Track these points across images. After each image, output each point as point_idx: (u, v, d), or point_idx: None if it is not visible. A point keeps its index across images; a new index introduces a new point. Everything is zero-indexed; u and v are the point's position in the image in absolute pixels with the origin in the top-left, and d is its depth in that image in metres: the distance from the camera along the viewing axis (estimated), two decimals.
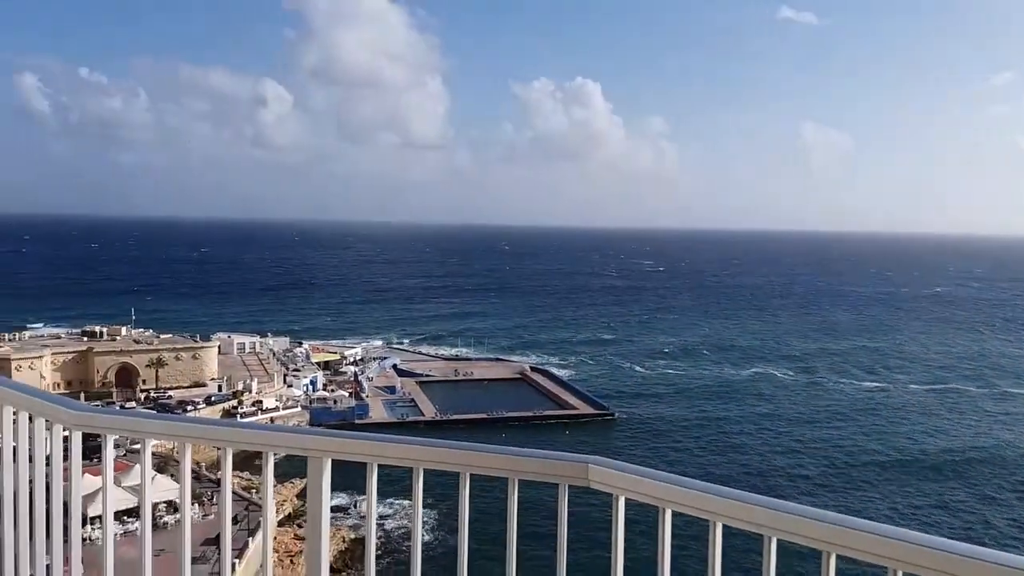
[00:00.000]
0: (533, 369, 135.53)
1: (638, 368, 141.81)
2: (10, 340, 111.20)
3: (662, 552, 3.22)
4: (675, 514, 3.22)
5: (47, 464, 4.09)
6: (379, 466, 3.67)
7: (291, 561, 66.38)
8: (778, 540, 2.98)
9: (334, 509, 71.68)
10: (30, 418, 4.12)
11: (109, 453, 3.98)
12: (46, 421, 4.04)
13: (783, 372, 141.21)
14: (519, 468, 3.45)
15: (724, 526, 3.10)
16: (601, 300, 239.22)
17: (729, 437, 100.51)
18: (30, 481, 4.13)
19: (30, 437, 4.15)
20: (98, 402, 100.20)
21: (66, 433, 4.00)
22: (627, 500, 3.33)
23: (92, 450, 4.12)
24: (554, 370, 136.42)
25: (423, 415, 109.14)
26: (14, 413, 4.19)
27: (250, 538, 63.20)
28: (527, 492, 3.54)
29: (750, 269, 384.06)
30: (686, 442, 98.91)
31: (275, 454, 3.76)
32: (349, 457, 3.66)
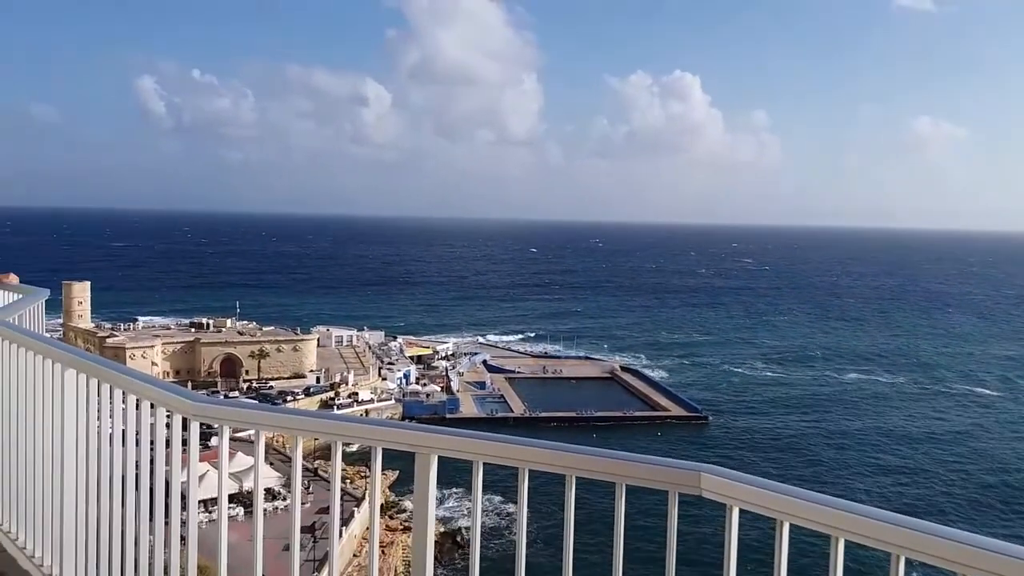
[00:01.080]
0: (623, 369, 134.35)
1: (735, 370, 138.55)
2: (125, 330, 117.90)
3: (779, 567, 3.09)
4: (793, 527, 3.08)
5: (167, 448, 4.27)
6: (483, 464, 3.67)
7: (383, 552, 67.97)
8: (906, 559, 2.82)
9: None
10: (152, 406, 4.30)
11: (225, 443, 4.12)
12: (166, 411, 4.21)
13: (893, 379, 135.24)
14: (627, 473, 3.38)
15: (847, 542, 2.95)
16: (696, 299, 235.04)
17: (831, 448, 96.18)
18: (151, 465, 4.33)
19: (152, 425, 4.34)
20: (205, 391, 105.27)
21: (187, 422, 4.17)
22: (742, 511, 3.22)
23: (202, 436, 4.28)
24: (645, 371, 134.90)
25: (512, 411, 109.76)
26: (137, 402, 4.39)
27: (343, 527, 65.08)
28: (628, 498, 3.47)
29: (857, 269, 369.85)
30: (783, 450, 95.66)
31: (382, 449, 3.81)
32: (455, 455, 3.68)
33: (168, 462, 4.27)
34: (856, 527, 2.89)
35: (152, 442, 4.30)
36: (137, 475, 4.38)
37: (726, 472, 3.26)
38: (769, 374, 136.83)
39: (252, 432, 4.07)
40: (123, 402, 4.52)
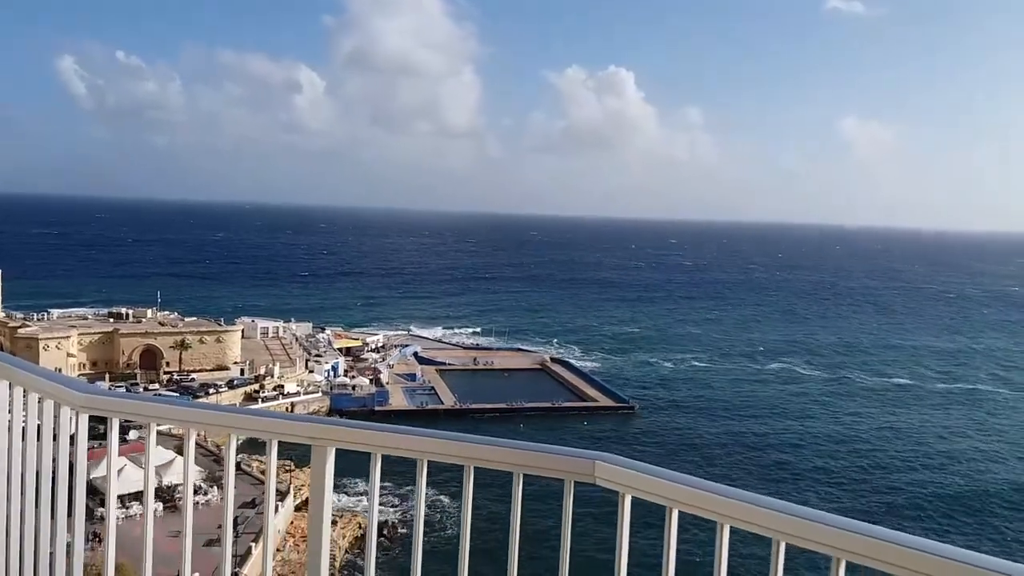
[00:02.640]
0: (553, 360, 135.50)
1: (665, 363, 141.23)
2: (38, 320, 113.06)
3: (668, 553, 3.13)
4: (683, 515, 3.13)
5: (57, 443, 4.08)
6: (384, 456, 3.62)
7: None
8: (787, 544, 2.89)
9: (353, 494, 72.23)
10: (39, 399, 4.11)
11: (114, 436, 3.95)
12: (55, 403, 4.02)
13: (808, 368, 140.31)
14: (524, 463, 3.38)
15: (732, 528, 3.01)
16: (629, 292, 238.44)
17: (751, 436, 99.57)
18: (38, 461, 4.13)
19: (39, 418, 4.14)
20: (124, 383, 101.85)
21: (73, 414, 3.98)
22: (634, 499, 3.25)
23: (121, 430, 4.08)
24: (575, 362, 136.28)
25: (442, 403, 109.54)
26: (24, 393, 4.18)
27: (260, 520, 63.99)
28: (536, 487, 3.47)
29: (787, 263, 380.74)
30: (706, 438, 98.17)
31: (278, 442, 3.71)
32: (353, 447, 3.61)
33: (56, 456, 4.08)
34: (739, 513, 2.95)
35: (38, 436, 4.09)
36: (23, 472, 4.18)
37: (620, 460, 3.28)
38: (698, 365, 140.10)
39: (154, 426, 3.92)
40: (9, 393, 4.31)
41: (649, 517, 3.56)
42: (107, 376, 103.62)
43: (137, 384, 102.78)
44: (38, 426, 4.14)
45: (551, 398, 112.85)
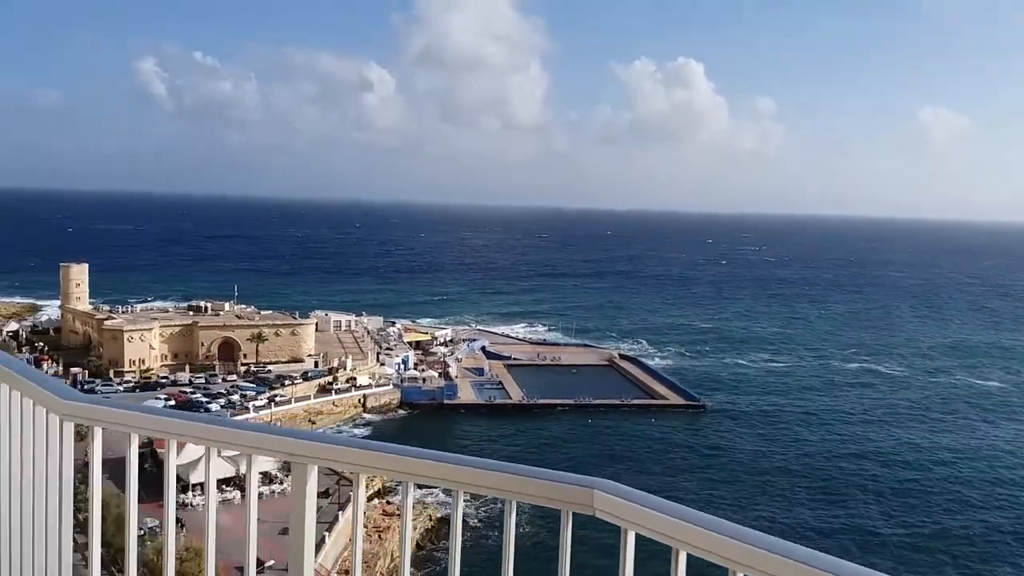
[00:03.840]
0: (622, 357, 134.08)
1: (738, 360, 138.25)
2: (123, 313, 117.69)
3: None
4: (692, 557, 2.71)
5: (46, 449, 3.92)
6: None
7: (379, 536, 67.92)
8: None
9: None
10: (33, 404, 3.95)
11: (97, 445, 3.75)
12: (44, 408, 3.85)
13: (891, 368, 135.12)
14: (517, 489, 3.01)
15: None
16: (700, 288, 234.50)
17: (826, 444, 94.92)
18: (21, 467, 3.98)
19: (31, 422, 3.98)
20: (203, 374, 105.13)
21: (57, 421, 3.80)
22: (638, 536, 2.84)
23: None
24: (645, 359, 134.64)
25: (510, 398, 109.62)
26: (21, 397, 4.04)
27: (340, 511, 65.04)
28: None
29: (863, 258, 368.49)
30: (777, 443, 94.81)
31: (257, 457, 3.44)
32: (336, 466, 3.32)
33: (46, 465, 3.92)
34: (755, 562, 2.52)
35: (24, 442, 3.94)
36: (9, 476, 4.04)
37: (621, 490, 2.87)
38: (773, 364, 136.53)
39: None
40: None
41: (655, 546, 3.13)
42: (187, 367, 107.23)
43: (215, 375, 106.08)
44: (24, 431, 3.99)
45: (619, 395, 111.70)
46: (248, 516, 3.47)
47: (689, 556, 2.71)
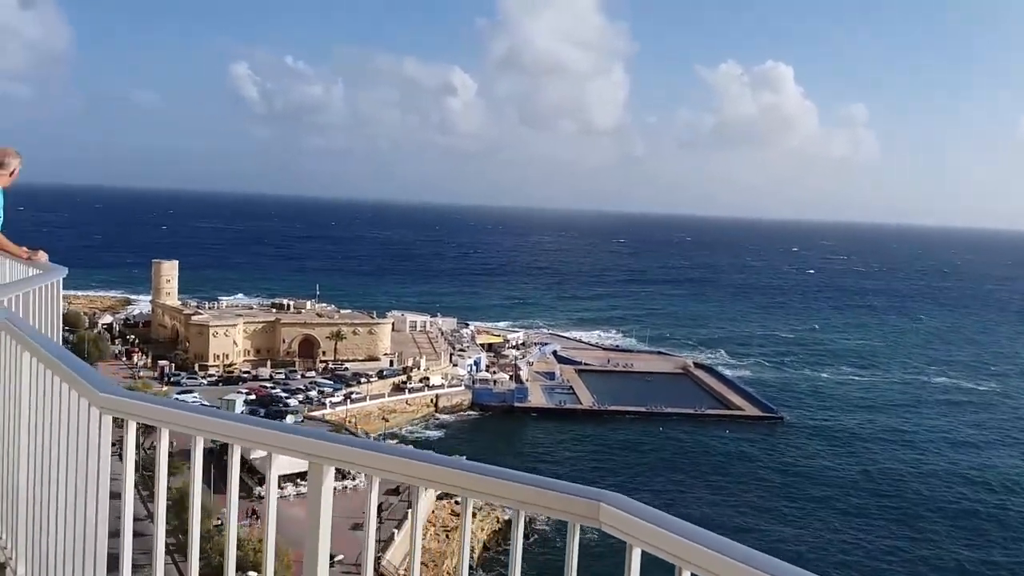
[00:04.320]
0: (697, 365, 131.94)
1: (819, 372, 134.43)
2: (209, 309, 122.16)
3: None
4: None
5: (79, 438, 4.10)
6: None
7: (447, 536, 68.47)
8: None
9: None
10: (78, 395, 4.13)
11: (131, 437, 3.88)
12: (86, 400, 4.02)
13: (984, 385, 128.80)
14: (524, 499, 2.98)
15: None
16: (783, 297, 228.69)
17: (906, 464, 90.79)
18: (59, 455, 4.16)
19: (75, 412, 4.16)
20: (283, 369, 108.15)
21: (96, 413, 3.96)
22: (643, 553, 2.76)
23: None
24: (721, 368, 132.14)
25: (580, 403, 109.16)
26: (69, 389, 4.23)
27: (409, 509, 65.89)
28: None
29: (959, 271, 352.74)
30: (854, 459, 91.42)
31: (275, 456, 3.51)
32: (350, 467, 3.35)
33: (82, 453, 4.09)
34: None
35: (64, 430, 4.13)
36: (46, 463, 4.23)
37: (628, 504, 2.80)
38: (855, 378, 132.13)
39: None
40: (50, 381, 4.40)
41: (664, 564, 3.03)
42: (268, 363, 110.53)
43: (295, 371, 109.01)
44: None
45: (693, 404, 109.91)
46: (268, 512, 3.52)
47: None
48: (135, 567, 3.85)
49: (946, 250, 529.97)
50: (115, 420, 3.91)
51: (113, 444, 3.87)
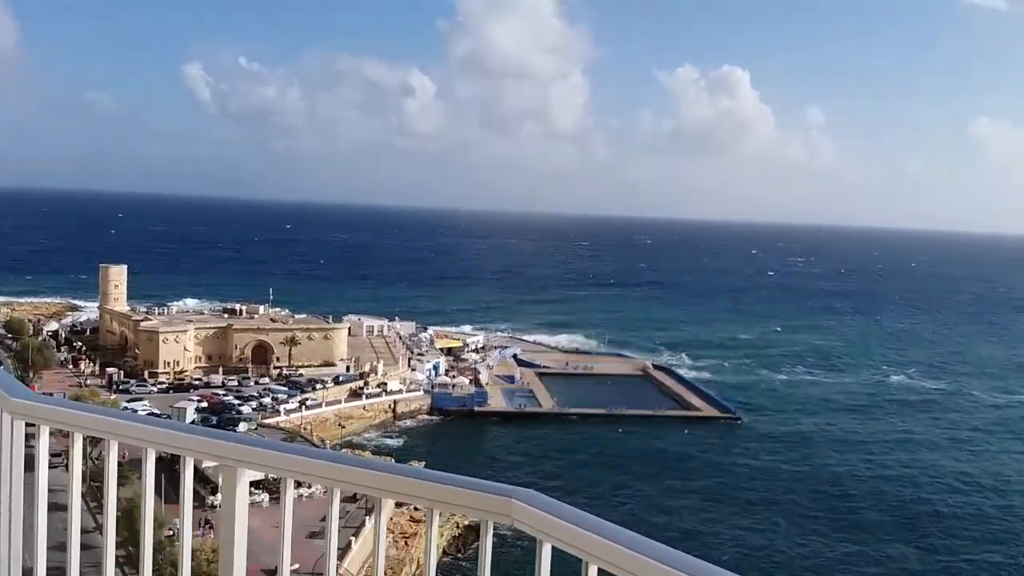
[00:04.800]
0: (656, 367, 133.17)
1: (776, 374, 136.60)
2: (159, 314, 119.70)
3: None
4: (602, 572, 2.63)
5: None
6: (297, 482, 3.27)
7: (405, 543, 68.04)
8: None
9: None
10: None
11: (44, 443, 3.77)
12: None
13: (939, 385, 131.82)
14: (438, 497, 2.96)
15: None
16: (743, 300, 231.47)
17: (865, 458, 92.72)
18: None
19: None
20: (236, 376, 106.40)
21: (8, 419, 3.83)
22: (554, 549, 2.77)
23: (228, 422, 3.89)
24: (680, 370, 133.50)
25: (541, 406, 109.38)
26: None
27: (367, 516, 65.31)
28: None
29: (913, 272, 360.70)
30: (813, 456, 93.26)
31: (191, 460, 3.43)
32: (265, 470, 3.29)
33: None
34: None
35: None
36: None
37: (539, 500, 2.80)
38: (810, 377, 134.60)
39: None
40: None
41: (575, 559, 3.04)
42: (220, 369, 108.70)
43: (248, 378, 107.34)
44: None
45: (653, 405, 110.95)
46: (183, 518, 3.44)
47: (601, 571, 2.63)
48: None
49: (901, 252, 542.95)
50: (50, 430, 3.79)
51: (58, 455, 3.73)
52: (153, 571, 3.71)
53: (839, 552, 68.58)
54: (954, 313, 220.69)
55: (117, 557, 3.85)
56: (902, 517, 76.76)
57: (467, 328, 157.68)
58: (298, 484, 3.16)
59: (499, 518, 2.86)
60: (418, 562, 66.26)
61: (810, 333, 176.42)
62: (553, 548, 2.76)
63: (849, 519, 75.56)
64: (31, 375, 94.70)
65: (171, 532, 46.83)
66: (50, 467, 3.80)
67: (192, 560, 3.60)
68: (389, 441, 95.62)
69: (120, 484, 3.73)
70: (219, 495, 3.27)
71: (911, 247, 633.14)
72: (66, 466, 3.63)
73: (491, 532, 2.93)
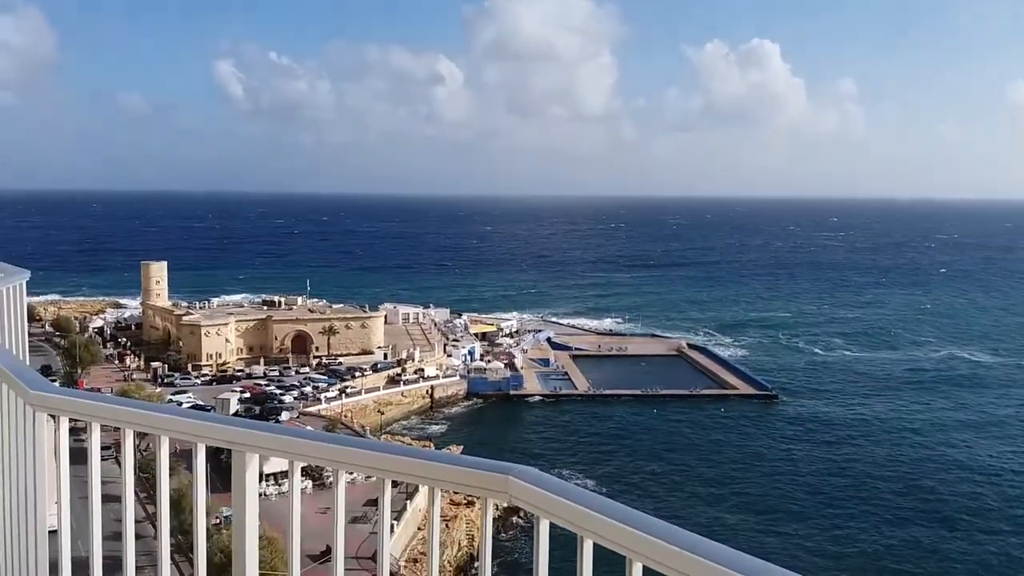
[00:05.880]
0: (691, 346, 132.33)
1: (814, 349, 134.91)
2: (200, 308, 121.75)
3: None
4: (598, 547, 2.66)
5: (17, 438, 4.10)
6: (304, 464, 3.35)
7: (446, 526, 68.46)
8: None
9: None
10: (17, 394, 4.14)
11: (63, 433, 3.90)
12: (21, 399, 4.03)
13: (986, 358, 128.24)
14: (438, 476, 3.02)
15: (646, 567, 2.52)
16: (777, 275, 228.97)
17: (908, 440, 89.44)
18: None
19: (8, 409, 4.18)
20: (277, 366, 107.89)
21: (30, 411, 3.97)
22: (552, 524, 2.81)
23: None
24: (715, 348, 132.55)
25: (576, 388, 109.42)
26: (4, 385, 4.24)
27: (408, 500, 66.03)
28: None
29: (957, 243, 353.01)
30: (848, 432, 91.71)
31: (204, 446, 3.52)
32: (272, 453, 3.37)
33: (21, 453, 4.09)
34: (653, 551, 2.46)
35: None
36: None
37: (535, 476, 2.84)
38: (848, 353, 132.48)
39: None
40: None
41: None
42: (261, 360, 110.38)
43: (289, 367, 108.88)
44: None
45: (688, 385, 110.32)
46: (196, 503, 3.54)
47: (596, 546, 2.66)
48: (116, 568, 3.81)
49: (940, 222, 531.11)
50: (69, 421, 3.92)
51: (107, 447, 3.83)
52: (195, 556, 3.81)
53: (881, 542, 65.07)
54: (1006, 284, 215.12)
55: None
56: (952, 506, 71.85)
57: (501, 313, 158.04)
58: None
59: (496, 496, 2.91)
60: (459, 544, 66.91)
61: (850, 309, 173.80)
62: (552, 525, 2.80)
63: (893, 506, 71.89)
64: (79, 371, 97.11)
65: (218, 520, 47.97)
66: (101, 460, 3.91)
67: (219, 552, 3.71)
68: (432, 427, 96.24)
69: (169, 475, 3.80)
70: (264, 482, 3.34)
71: (950, 216, 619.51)
72: (116, 459, 3.74)
73: (491, 509, 2.98)
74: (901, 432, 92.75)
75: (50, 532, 4.10)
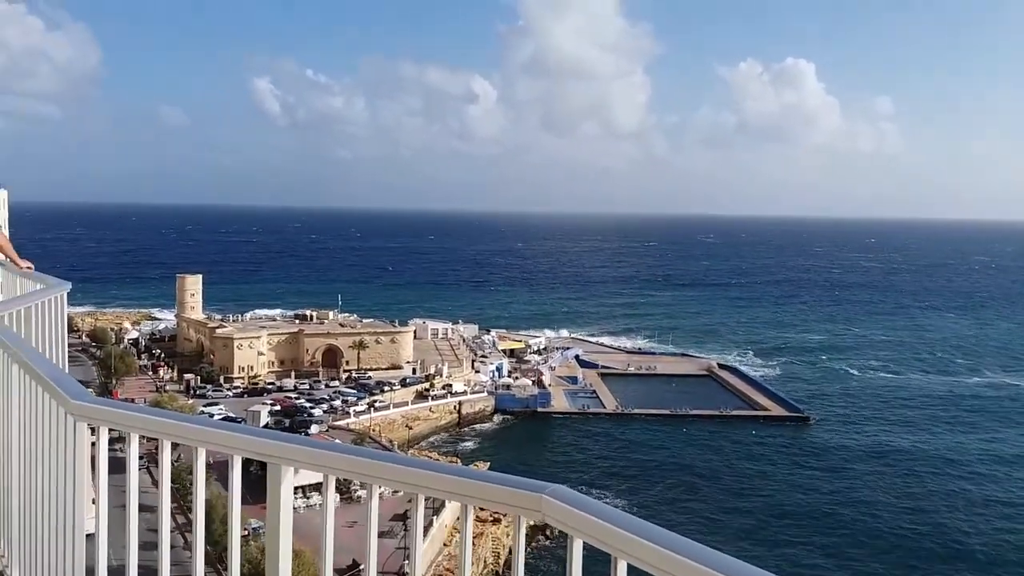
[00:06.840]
0: (721, 366, 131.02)
1: (849, 371, 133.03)
2: (233, 321, 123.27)
3: None
4: (633, 568, 2.64)
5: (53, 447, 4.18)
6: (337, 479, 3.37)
7: (473, 541, 68.49)
8: None
9: None
10: (58, 404, 4.22)
11: (103, 443, 3.97)
12: (62, 408, 4.11)
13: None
14: (472, 493, 3.03)
15: None
16: (810, 297, 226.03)
17: (936, 465, 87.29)
18: (41, 460, 4.24)
19: (47, 419, 4.26)
20: (307, 380, 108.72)
21: (71, 420, 4.05)
22: (585, 544, 2.79)
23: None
24: (745, 368, 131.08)
25: (604, 407, 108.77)
26: (49, 397, 4.32)
27: (435, 516, 65.95)
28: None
29: (999, 266, 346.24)
30: (884, 459, 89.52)
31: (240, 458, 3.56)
32: (306, 467, 3.40)
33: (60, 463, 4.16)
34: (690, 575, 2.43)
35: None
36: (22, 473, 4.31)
37: (570, 495, 2.83)
38: (885, 375, 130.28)
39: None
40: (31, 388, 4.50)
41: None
42: (292, 374, 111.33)
43: (319, 381, 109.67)
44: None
45: (718, 405, 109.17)
46: (231, 514, 3.58)
47: (630, 567, 2.64)
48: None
49: (978, 244, 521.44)
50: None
51: (141, 457, 3.90)
52: (227, 568, 3.86)
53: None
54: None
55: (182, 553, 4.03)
56: (988, 540, 69.45)
57: (530, 330, 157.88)
58: (362, 485, 3.23)
59: (530, 514, 2.90)
60: (484, 561, 66.59)
61: (888, 331, 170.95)
62: (585, 544, 2.78)
63: (927, 538, 69.50)
64: (114, 381, 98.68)
65: (246, 531, 48.29)
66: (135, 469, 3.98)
67: (248, 562, 3.75)
68: (460, 444, 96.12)
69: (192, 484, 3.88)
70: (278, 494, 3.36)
71: (991, 237, 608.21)
72: (148, 469, 3.81)
73: (523, 528, 2.97)
74: (941, 462, 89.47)
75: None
